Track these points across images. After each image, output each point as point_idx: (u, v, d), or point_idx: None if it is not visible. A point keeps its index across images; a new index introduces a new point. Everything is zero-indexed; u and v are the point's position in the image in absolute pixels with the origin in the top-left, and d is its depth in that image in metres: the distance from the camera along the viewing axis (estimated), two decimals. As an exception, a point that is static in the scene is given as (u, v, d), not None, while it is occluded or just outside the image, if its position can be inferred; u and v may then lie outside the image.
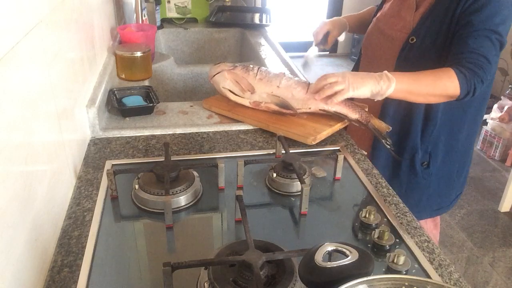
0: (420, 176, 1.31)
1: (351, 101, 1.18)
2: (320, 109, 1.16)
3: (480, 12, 1.09)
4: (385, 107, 1.26)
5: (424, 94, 1.11)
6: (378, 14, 1.37)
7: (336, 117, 1.17)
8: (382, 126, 1.14)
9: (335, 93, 1.08)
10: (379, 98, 1.10)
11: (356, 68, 1.46)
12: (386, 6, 1.35)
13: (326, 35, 1.47)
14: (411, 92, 1.10)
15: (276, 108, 1.19)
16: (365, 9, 1.52)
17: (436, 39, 1.16)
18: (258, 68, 1.24)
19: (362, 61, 1.43)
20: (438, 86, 1.10)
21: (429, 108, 1.23)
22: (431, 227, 1.48)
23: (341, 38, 1.50)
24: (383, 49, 1.29)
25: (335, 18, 1.52)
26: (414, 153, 1.29)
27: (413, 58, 1.20)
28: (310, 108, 1.17)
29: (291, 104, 1.17)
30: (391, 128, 1.15)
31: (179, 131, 1.18)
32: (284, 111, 1.18)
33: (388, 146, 1.15)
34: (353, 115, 1.15)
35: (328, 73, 1.13)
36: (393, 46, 1.25)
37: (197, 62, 2.18)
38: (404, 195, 1.33)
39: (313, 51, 1.49)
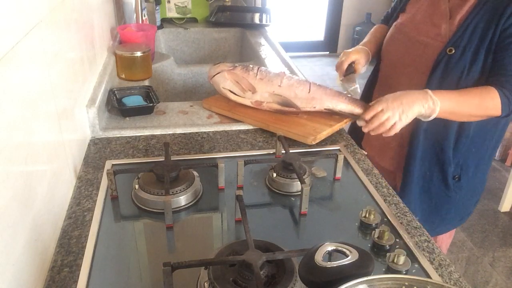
0: (452, 190, 1.29)
1: (352, 97, 1.18)
2: (325, 108, 1.16)
3: None
4: (419, 121, 1.19)
5: (466, 115, 1.12)
6: (402, 19, 1.29)
7: (336, 117, 1.17)
8: None
9: (391, 128, 1.08)
10: (423, 119, 1.10)
11: (375, 74, 1.39)
12: (412, 11, 1.27)
13: (351, 65, 1.31)
14: (453, 113, 1.11)
15: (278, 107, 1.19)
16: (373, 30, 1.43)
17: (478, 53, 1.12)
18: (258, 68, 1.24)
19: (383, 67, 1.35)
20: (481, 107, 1.10)
21: (462, 122, 1.20)
22: (446, 235, 1.46)
23: (363, 69, 1.35)
24: (413, 56, 1.23)
25: (357, 47, 1.35)
26: (447, 167, 1.25)
27: (451, 71, 1.15)
28: (315, 107, 1.17)
29: (294, 103, 1.17)
30: None
31: (179, 131, 1.18)
32: (287, 109, 1.18)
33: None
34: (358, 110, 1.15)
35: (373, 105, 1.09)
36: (426, 54, 1.19)
37: (197, 62, 2.18)
38: (434, 209, 1.31)
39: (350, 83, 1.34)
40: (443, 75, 1.16)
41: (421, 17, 1.23)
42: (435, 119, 1.15)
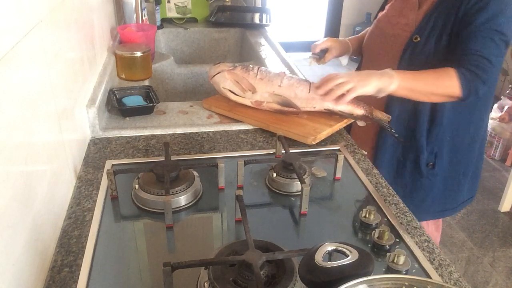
0: (425, 177, 1.31)
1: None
2: (325, 109, 1.16)
3: (483, 12, 1.09)
4: (389, 108, 1.26)
5: (425, 92, 1.13)
6: (379, 16, 1.37)
7: (336, 117, 1.17)
8: (384, 117, 1.17)
9: (346, 92, 1.10)
10: (382, 94, 1.12)
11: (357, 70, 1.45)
12: (387, 7, 1.35)
13: (324, 51, 1.43)
14: (412, 90, 1.12)
15: (278, 107, 1.19)
16: (365, 30, 1.51)
17: (441, 38, 1.16)
18: (258, 68, 1.24)
19: (363, 63, 1.42)
20: (439, 85, 1.12)
21: (435, 109, 1.23)
22: (432, 229, 1.47)
23: (344, 61, 1.47)
24: (385, 48, 1.29)
25: (341, 38, 1.49)
26: (419, 154, 1.28)
27: (417, 57, 1.19)
28: (314, 108, 1.17)
29: (294, 103, 1.17)
30: (390, 117, 1.17)
31: (179, 131, 1.18)
32: (287, 109, 1.18)
33: (396, 134, 1.18)
34: (359, 111, 1.16)
35: (332, 73, 1.13)
36: (396, 44, 1.25)
37: (197, 62, 2.18)
38: (408, 195, 1.33)
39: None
40: (410, 62, 1.20)
41: (393, 11, 1.30)
42: (405, 106, 1.22)
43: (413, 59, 1.20)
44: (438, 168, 1.30)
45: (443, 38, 1.16)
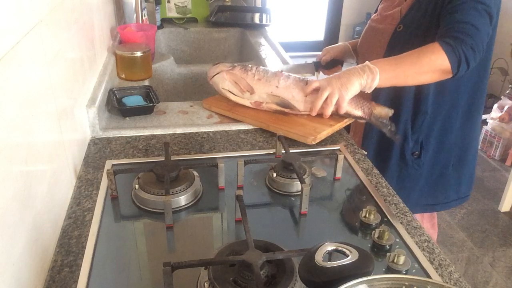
0: (411, 166, 1.31)
1: (351, 99, 1.18)
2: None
3: None
4: (376, 94, 1.24)
5: (411, 74, 1.08)
6: (372, 16, 1.40)
7: (336, 117, 1.17)
8: (384, 112, 1.15)
9: (337, 106, 1.11)
10: (368, 90, 1.11)
11: None
12: (379, 7, 1.38)
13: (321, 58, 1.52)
14: (397, 77, 1.09)
15: (277, 108, 1.19)
16: None
17: (421, 23, 1.17)
18: (256, 68, 1.24)
19: (358, 63, 1.44)
20: (424, 62, 1.06)
21: (418, 97, 1.23)
22: (427, 227, 1.47)
23: (352, 60, 1.53)
24: (374, 44, 1.31)
25: (338, 44, 1.56)
26: (404, 142, 1.29)
27: (399, 45, 1.20)
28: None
29: (293, 104, 1.17)
30: (393, 110, 1.15)
31: (179, 131, 1.18)
32: (287, 110, 1.18)
33: (394, 134, 1.17)
34: (356, 112, 1.15)
35: (310, 83, 1.14)
36: (383, 38, 1.26)
37: (197, 62, 2.18)
38: (395, 187, 1.32)
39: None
40: (393, 51, 1.19)
41: (383, 10, 1.33)
42: (390, 93, 1.21)
43: (395, 47, 1.20)
44: (424, 158, 1.30)
45: (424, 22, 1.16)
